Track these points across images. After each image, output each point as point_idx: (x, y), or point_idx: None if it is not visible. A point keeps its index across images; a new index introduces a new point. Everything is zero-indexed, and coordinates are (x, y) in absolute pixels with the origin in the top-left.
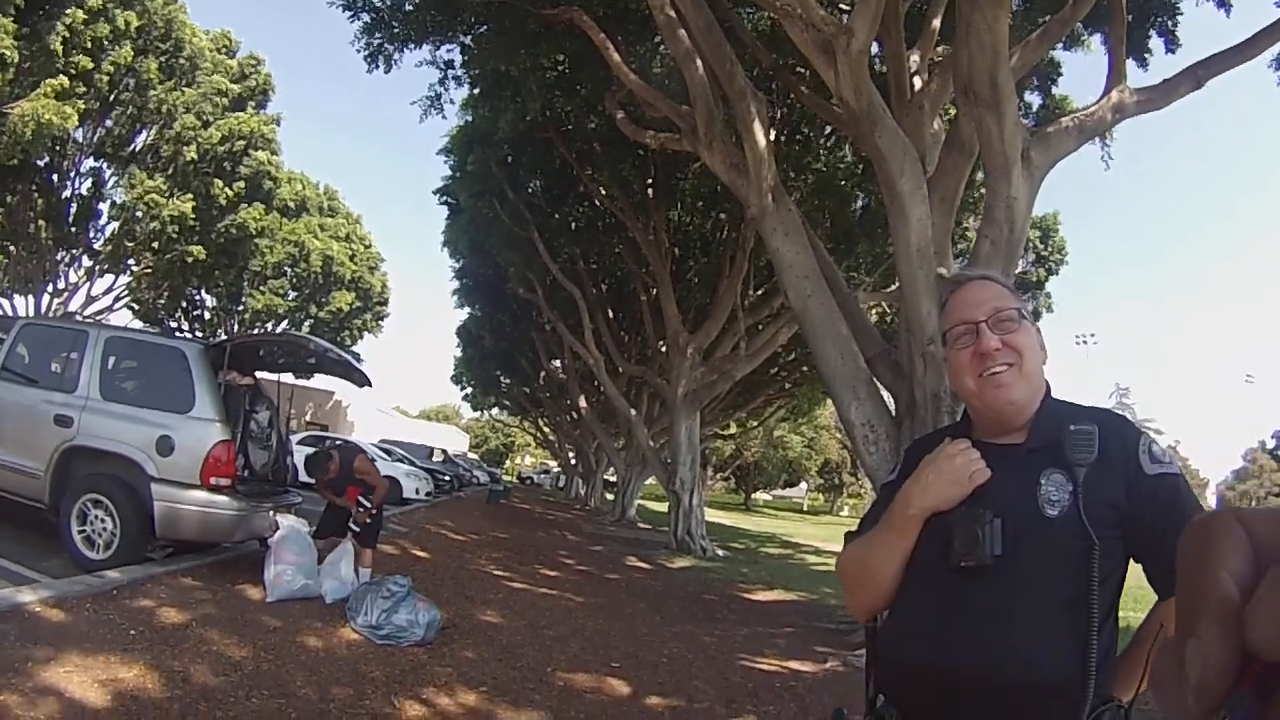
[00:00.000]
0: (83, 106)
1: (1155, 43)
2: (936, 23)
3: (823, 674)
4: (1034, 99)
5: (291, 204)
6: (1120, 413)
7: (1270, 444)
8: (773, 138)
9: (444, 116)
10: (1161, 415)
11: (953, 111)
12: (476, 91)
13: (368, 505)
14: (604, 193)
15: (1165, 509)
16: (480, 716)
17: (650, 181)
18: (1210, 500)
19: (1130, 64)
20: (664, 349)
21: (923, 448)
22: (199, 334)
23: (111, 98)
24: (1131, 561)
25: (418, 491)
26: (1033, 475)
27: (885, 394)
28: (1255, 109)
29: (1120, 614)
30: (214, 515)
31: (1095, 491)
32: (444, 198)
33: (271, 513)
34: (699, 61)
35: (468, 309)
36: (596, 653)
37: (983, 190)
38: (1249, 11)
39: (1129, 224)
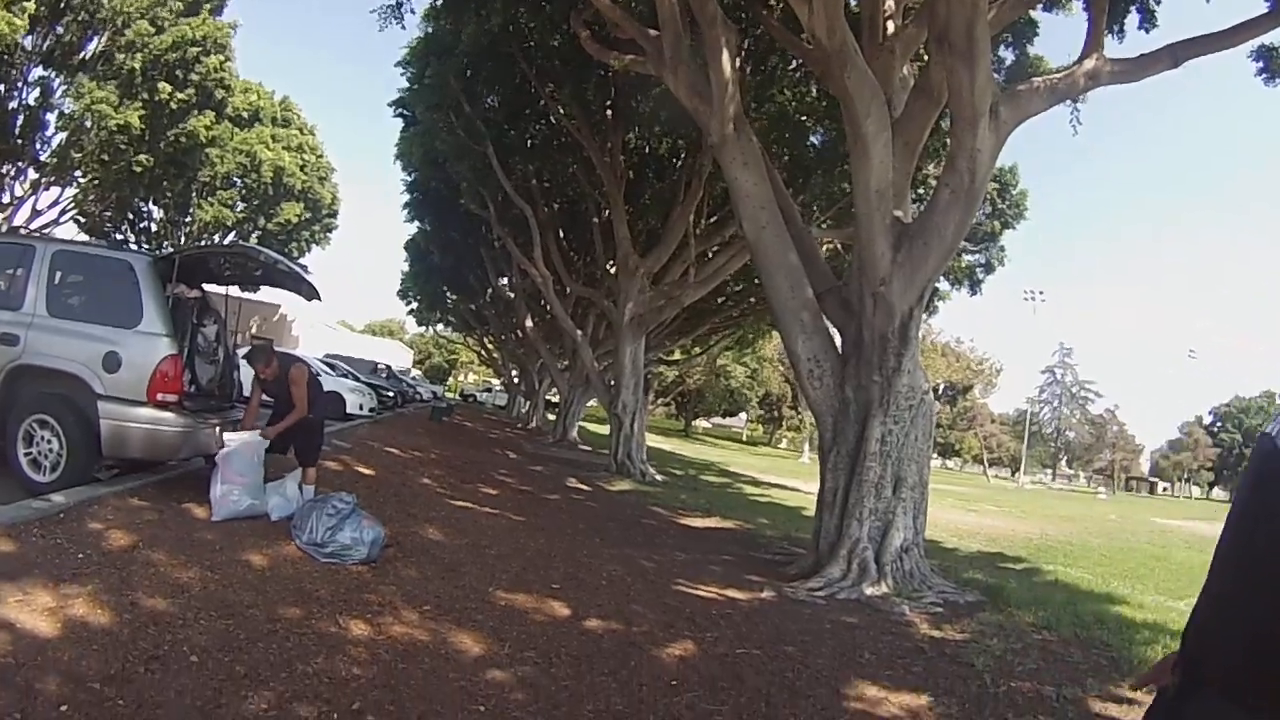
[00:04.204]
0: (32, 8)
1: (1132, 19)
2: None
3: (758, 603)
4: (1008, 55)
5: (245, 113)
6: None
7: (1207, 420)
8: (738, 67)
9: (403, 27)
10: (1102, 379)
11: (925, 58)
12: (439, 3)
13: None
14: (562, 111)
15: None
16: (424, 635)
17: (610, 103)
18: (1144, 467)
19: (1108, 39)
20: (613, 271)
21: None
22: (146, 247)
23: (62, 4)
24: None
25: (361, 407)
26: None
27: (833, 330)
28: (1234, 91)
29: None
30: (161, 433)
31: None
32: (399, 110)
33: (218, 429)
34: None
35: (418, 223)
36: (537, 573)
37: (947, 138)
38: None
39: (1091, 188)
